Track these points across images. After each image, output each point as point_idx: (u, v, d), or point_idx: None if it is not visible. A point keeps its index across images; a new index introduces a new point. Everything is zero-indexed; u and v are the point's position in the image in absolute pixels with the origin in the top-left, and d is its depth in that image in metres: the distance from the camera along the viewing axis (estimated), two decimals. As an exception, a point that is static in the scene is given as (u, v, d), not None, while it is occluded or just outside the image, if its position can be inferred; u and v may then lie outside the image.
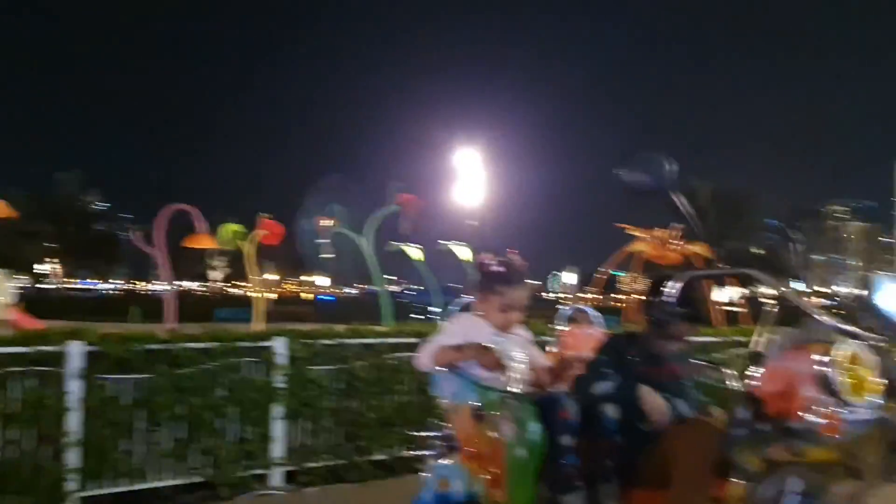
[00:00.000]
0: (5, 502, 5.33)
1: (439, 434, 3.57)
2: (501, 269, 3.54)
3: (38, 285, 75.37)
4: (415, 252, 23.81)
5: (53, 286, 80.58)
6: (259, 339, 6.74)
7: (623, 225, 23.05)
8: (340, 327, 7.58)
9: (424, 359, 3.46)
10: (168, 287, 20.21)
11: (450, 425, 3.52)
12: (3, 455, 5.44)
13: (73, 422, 5.69)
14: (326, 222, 23.08)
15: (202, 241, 22.13)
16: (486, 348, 3.29)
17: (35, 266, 76.00)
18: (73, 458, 5.67)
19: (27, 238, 65.92)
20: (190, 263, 73.96)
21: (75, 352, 5.76)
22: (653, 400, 3.41)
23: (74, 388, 5.71)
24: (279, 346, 6.69)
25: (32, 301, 28.60)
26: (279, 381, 6.62)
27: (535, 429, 3.18)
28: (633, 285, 24.96)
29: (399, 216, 22.32)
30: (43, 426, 5.60)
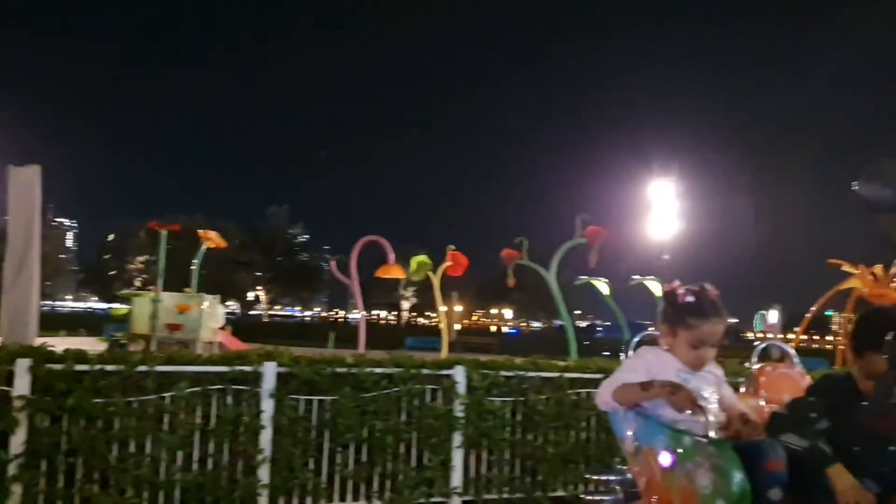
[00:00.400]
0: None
1: (619, 478, 3.28)
2: (693, 299, 3.17)
3: (246, 311, 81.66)
4: (603, 286, 23.20)
5: (260, 312, 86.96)
6: (439, 367, 6.75)
7: (837, 261, 21.09)
8: (520, 359, 7.45)
9: (605, 396, 3.17)
10: (361, 315, 21.06)
11: (631, 469, 3.21)
12: (202, 468, 5.78)
13: (265, 439, 5.94)
14: (512, 254, 23.08)
15: (393, 272, 22.87)
16: (677, 386, 2.97)
17: (245, 293, 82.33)
18: (263, 473, 5.91)
19: (239, 267, 71.63)
20: (383, 293, 77.01)
21: (269, 372, 6.03)
22: (844, 483, 2.89)
23: (268, 407, 5.97)
24: (458, 374, 6.66)
25: (240, 325, 31.01)
26: (458, 409, 6.59)
27: (739, 480, 2.78)
28: (847, 326, 22.77)
29: (586, 249, 21.86)
30: (238, 442, 5.90)
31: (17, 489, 5.18)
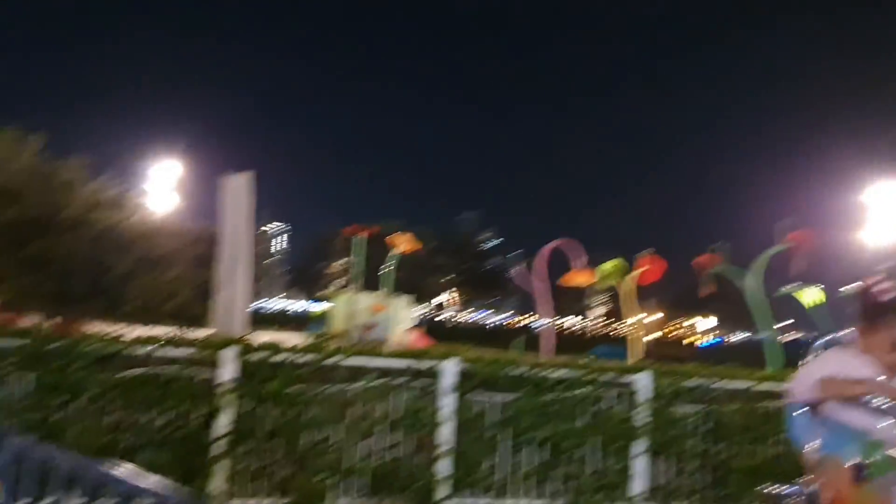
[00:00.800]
0: (384, 499, 5.91)
1: (799, 490, 3.02)
2: (892, 296, 2.86)
3: (436, 314, 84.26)
4: (811, 296, 21.59)
5: (449, 315, 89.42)
6: (622, 373, 6.63)
7: None
8: (711, 369, 7.16)
9: (801, 387, 2.87)
10: (547, 321, 21.05)
11: (814, 482, 2.94)
12: (385, 457, 6.04)
13: (446, 433, 6.11)
14: (708, 260, 22.06)
15: (581, 278, 22.66)
16: (883, 385, 2.65)
17: (435, 296, 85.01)
18: (444, 466, 6.08)
19: (430, 271, 74.14)
20: (571, 299, 76.47)
21: (449, 369, 6.20)
22: None
23: (447, 403, 6.14)
24: (642, 381, 6.51)
25: (430, 327, 32.07)
26: (641, 416, 6.43)
27: None
28: None
29: (790, 256, 20.48)
30: (420, 434, 6.11)
31: (223, 467, 5.67)
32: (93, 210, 27.57)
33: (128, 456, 5.20)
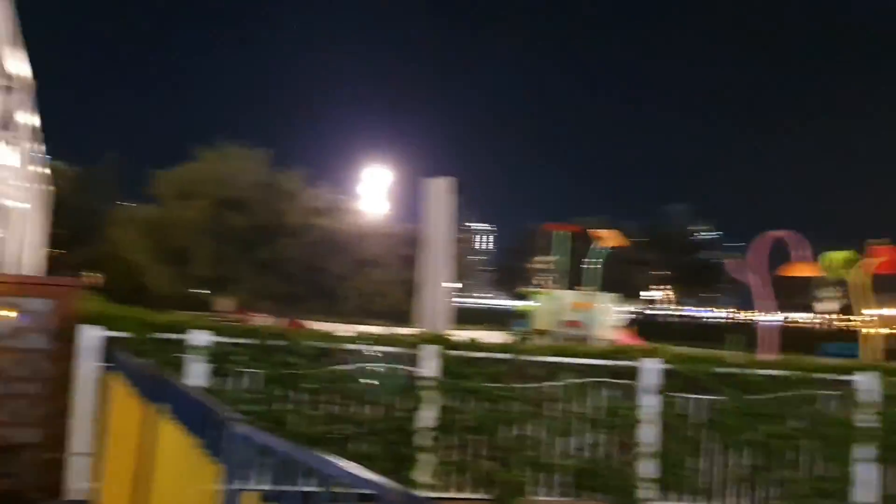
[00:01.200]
0: (583, 495, 5.91)
1: None
2: None
3: (646, 311, 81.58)
4: None
5: (661, 312, 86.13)
6: (840, 373, 6.14)
7: None
8: None
9: None
10: (766, 317, 19.83)
11: None
12: (586, 454, 6.03)
13: (648, 433, 5.98)
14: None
15: (802, 270, 21.08)
16: None
17: (643, 292, 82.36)
18: (647, 467, 5.95)
19: (637, 266, 72.00)
20: (795, 293, 71.12)
21: (649, 368, 6.07)
22: None
23: (648, 402, 6.01)
24: (864, 381, 5.98)
25: (641, 325, 31.19)
26: (865, 419, 5.91)
27: None
28: None
29: None
30: (620, 433, 6.03)
31: (427, 459, 5.91)
32: (312, 216, 30.04)
33: (339, 445, 5.59)
